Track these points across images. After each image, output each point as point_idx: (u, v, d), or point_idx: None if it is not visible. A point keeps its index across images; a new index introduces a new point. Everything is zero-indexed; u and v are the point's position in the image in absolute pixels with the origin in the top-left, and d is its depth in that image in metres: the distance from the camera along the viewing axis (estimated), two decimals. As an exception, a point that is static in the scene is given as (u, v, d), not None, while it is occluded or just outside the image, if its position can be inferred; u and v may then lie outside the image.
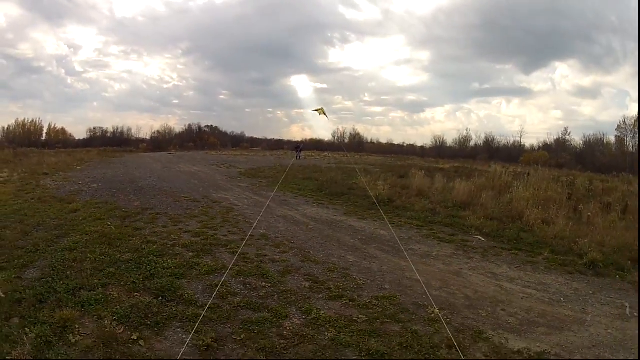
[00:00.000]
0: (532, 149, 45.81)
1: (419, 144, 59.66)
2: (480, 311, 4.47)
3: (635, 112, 38.16)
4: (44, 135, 56.03)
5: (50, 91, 75.63)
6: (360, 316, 4.14)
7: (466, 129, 69.72)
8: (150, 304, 4.08)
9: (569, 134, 44.59)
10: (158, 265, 5.14)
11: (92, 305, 4.00)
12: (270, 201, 10.37)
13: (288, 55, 77.09)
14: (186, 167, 19.81)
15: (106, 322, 3.66)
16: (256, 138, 63.37)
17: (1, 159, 21.39)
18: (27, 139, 49.66)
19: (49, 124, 57.35)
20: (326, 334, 3.72)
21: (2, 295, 4.14)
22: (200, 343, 3.38)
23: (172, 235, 6.78)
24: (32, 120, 54.83)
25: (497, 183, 12.99)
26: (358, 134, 61.50)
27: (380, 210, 9.01)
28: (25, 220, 7.46)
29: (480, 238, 7.76)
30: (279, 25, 75.19)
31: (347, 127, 73.40)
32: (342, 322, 3.96)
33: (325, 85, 75.51)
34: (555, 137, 45.40)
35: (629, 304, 4.98)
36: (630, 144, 37.96)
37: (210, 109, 79.60)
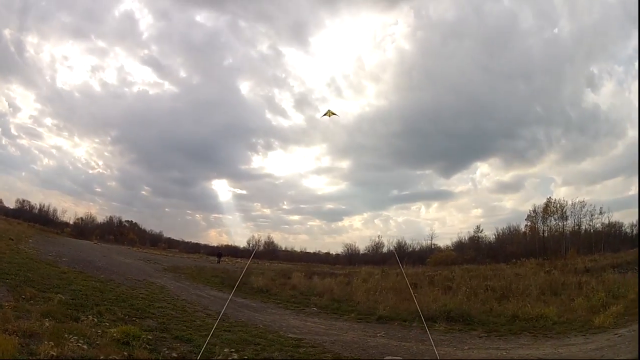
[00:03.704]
0: (447, 249, 49.20)
1: (334, 252, 64.51)
2: (285, 329, 9.16)
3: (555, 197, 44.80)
4: (-31, 192, 50.35)
5: (-21, 147, 67.98)
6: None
7: (378, 236, 72.61)
8: (134, 313, 8.57)
9: (481, 230, 48.26)
10: (133, 301, 10.07)
11: (108, 310, 8.33)
12: (186, 286, 14.43)
13: (211, 158, 71.47)
14: (120, 259, 23.48)
15: (119, 314, 8.12)
16: (174, 239, 61.17)
17: None
18: (-55, 192, 44.72)
19: (-23, 184, 51.42)
20: (199, 314, 8.10)
21: (63, 298, 8.76)
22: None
23: (133, 293, 11.48)
24: (-45, 174, 48.66)
25: (356, 280, 18.41)
26: (272, 242, 64.17)
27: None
28: (35, 271, 12.04)
29: (315, 308, 12.63)
30: (205, 126, 69.46)
31: (263, 235, 72.24)
32: (207, 316, 8.36)
33: (244, 192, 71.64)
34: (468, 236, 48.82)
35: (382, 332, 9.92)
36: (542, 229, 41.81)
37: (131, 204, 74.48)
